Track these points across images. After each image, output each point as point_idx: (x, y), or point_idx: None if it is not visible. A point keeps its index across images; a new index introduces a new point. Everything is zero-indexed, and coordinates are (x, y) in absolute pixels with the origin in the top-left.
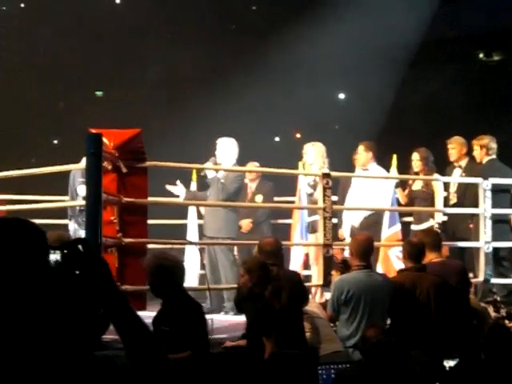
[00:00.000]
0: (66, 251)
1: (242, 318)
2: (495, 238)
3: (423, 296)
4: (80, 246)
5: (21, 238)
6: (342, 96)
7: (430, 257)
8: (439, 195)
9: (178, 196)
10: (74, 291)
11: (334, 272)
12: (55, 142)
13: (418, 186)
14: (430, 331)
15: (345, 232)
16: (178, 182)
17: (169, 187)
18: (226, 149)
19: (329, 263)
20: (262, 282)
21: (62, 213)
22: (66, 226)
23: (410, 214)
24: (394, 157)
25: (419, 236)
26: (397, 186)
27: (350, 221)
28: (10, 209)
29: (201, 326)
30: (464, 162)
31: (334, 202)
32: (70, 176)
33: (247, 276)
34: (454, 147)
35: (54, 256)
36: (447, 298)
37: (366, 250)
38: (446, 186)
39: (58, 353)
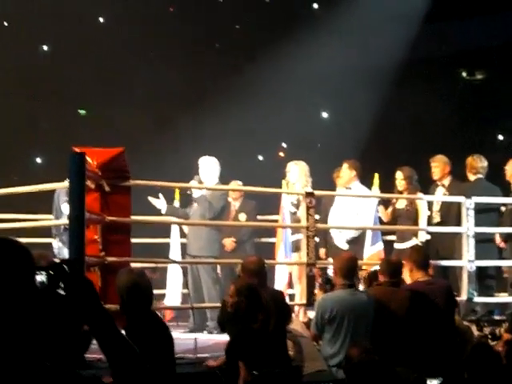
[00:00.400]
0: (51, 272)
1: (226, 337)
2: (480, 257)
3: (398, 310)
4: (66, 267)
5: (6, 257)
6: (325, 115)
7: (417, 275)
8: (423, 214)
9: (159, 210)
10: (58, 311)
11: (317, 291)
12: (38, 160)
13: (401, 204)
14: (408, 347)
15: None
16: (160, 194)
17: (151, 199)
18: (208, 168)
19: (312, 282)
20: (249, 305)
21: (46, 231)
22: (49, 244)
23: (392, 233)
24: (376, 176)
25: (408, 253)
26: (379, 204)
27: (334, 240)
28: None
29: (164, 346)
30: (447, 181)
31: (317, 221)
32: (54, 194)
33: (236, 298)
34: (438, 166)
35: (40, 277)
36: (422, 312)
37: (350, 268)
38: (429, 204)
39: (45, 372)
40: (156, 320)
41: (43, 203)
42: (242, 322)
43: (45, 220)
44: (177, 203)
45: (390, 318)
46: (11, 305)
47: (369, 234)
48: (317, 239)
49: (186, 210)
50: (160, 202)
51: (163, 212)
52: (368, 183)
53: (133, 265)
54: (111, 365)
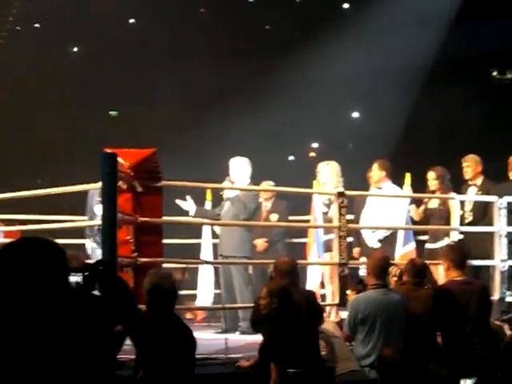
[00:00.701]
0: (87, 273)
1: (258, 338)
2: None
3: (417, 309)
4: (101, 268)
5: (42, 258)
6: (356, 115)
7: (453, 274)
8: (455, 214)
9: (187, 211)
10: (93, 312)
11: (349, 291)
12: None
13: (434, 204)
14: (433, 345)
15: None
16: (188, 197)
17: (178, 202)
18: (240, 168)
19: (344, 282)
20: (282, 306)
21: (80, 232)
22: (83, 245)
23: (424, 233)
24: (408, 175)
25: (445, 251)
26: (410, 203)
27: (365, 240)
28: (27, 229)
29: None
30: (479, 181)
31: (350, 221)
32: (87, 196)
33: (268, 299)
34: (469, 165)
35: (76, 278)
36: (451, 311)
37: (382, 268)
38: (461, 204)
39: (82, 373)
40: (177, 322)
41: (77, 205)
42: (275, 324)
43: (78, 221)
44: (208, 204)
45: (409, 317)
46: (46, 305)
47: (400, 233)
48: (350, 239)
49: (216, 210)
50: (188, 204)
51: (191, 214)
52: (399, 183)
53: (164, 265)
54: (144, 364)
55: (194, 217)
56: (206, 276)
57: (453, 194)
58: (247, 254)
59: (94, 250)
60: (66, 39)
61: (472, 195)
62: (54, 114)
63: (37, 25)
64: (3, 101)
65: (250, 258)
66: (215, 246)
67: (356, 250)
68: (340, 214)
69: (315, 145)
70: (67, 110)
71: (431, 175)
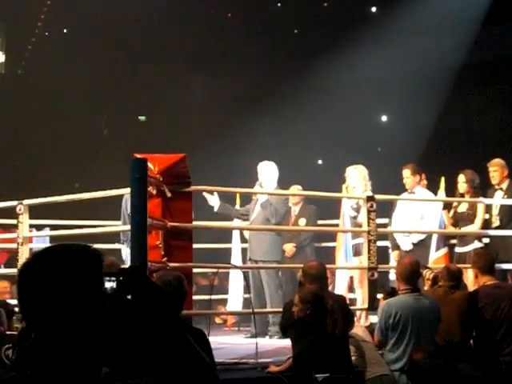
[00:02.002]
0: (121, 278)
1: (287, 343)
2: None
3: (451, 311)
4: (135, 273)
5: (77, 264)
6: (384, 118)
7: (484, 280)
8: (480, 218)
9: (216, 215)
10: (128, 318)
11: (381, 297)
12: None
13: (463, 208)
14: (467, 347)
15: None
16: (215, 192)
17: (205, 194)
18: (268, 173)
19: (374, 286)
20: (315, 313)
21: (115, 237)
22: (119, 250)
23: (455, 236)
24: (442, 179)
25: (471, 259)
26: (444, 208)
27: (393, 245)
28: (62, 234)
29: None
30: (505, 185)
31: (383, 225)
32: (122, 200)
33: (301, 306)
34: (496, 170)
35: (110, 283)
36: (485, 314)
37: (413, 273)
38: (489, 208)
39: (115, 380)
40: (187, 326)
41: (111, 209)
42: (310, 330)
43: (112, 226)
44: (237, 207)
45: (443, 319)
46: (81, 311)
47: (434, 238)
48: (385, 243)
49: (240, 210)
50: (213, 199)
51: (216, 210)
52: (432, 187)
53: (195, 270)
54: (177, 372)
55: (217, 212)
56: (236, 281)
57: (481, 198)
58: (278, 259)
59: (128, 256)
60: (97, 44)
61: (499, 199)
62: (87, 119)
63: (65, 30)
64: (39, 106)
65: (280, 263)
66: (244, 250)
67: (395, 253)
68: (369, 219)
69: (343, 148)
70: (99, 114)
71: (461, 178)
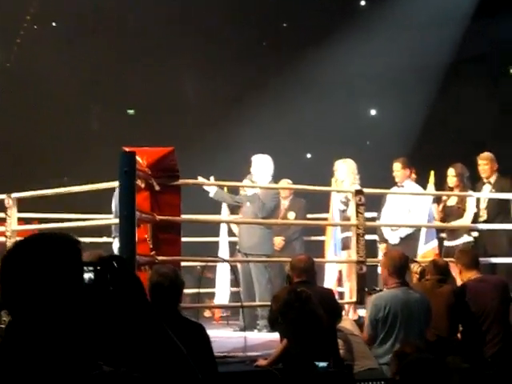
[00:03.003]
0: (99, 268)
1: (276, 336)
2: None
3: (439, 305)
4: (114, 263)
5: (53, 253)
6: (373, 112)
7: (468, 275)
8: (469, 212)
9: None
10: (107, 308)
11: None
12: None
13: (452, 201)
14: (453, 341)
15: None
16: (211, 177)
17: (201, 179)
18: (262, 166)
19: (362, 280)
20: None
21: (104, 231)
22: (109, 244)
23: (443, 230)
24: (432, 173)
25: (456, 255)
26: (434, 201)
27: (381, 239)
28: (51, 227)
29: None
30: (493, 179)
31: (371, 219)
32: (113, 194)
33: (275, 304)
34: (487, 163)
35: (88, 274)
36: (471, 307)
37: (402, 267)
38: (477, 202)
39: (95, 371)
40: (183, 320)
41: (100, 203)
42: (292, 327)
43: (101, 219)
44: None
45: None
46: (59, 301)
47: (423, 231)
48: (373, 236)
49: (236, 197)
50: (210, 185)
51: (211, 195)
52: (419, 181)
53: (183, 264)
54: (153, 364)
55: (213, 197)
56: (223, 274)
57: (470, 192)
58: (267, 252)
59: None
60: (86, 38)
61: (487, 193)
62: (76, 112)
63: (54, 23)
64: (28, 99)
65: (270, 256)
66: (231, 244)
67: (383, 246)
68: (358, 212)
69: (332, 142)
70: (88, 108)
71: (451, 172)
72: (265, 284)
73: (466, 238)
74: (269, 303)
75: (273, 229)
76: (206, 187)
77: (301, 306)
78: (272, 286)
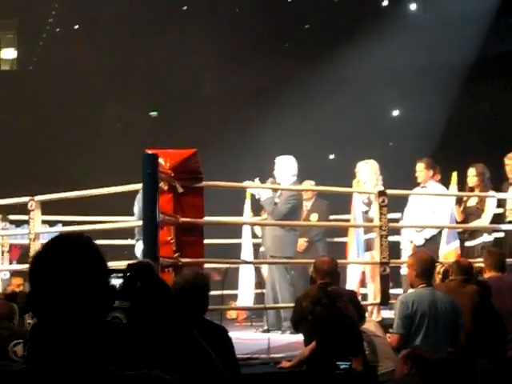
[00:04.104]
0: (129, 274)
1: (300, 338)
2: None
3: (464, 304)
4: (142, 270)
5: (85, 257)
6: (396, 113)
7: (489, 274)
8: (488, 212)
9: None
10: (136, 315)
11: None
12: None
13: (472, 202)
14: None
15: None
16: (257, 179)
17: (247, 182)
18: (285, 167)
19: (386, 281)
20: (328, 306)
21: (128, 233)
22: (131, 246)
23: (466, 231)
24: (454, 174)
25: (484, 256)
26: (456, 202)
27: (408, 238)
28: (74, 230)
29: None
30: None
31: (394, 220)
32: (136, 197)
33: (319, 307)
34: None
35: (118, 280)
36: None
37: (429, 269)
38: (503, 202)
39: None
40: (208, 323)
41: (123, 205)
42: (320, 327)
43: (124, 222)
44: (248, 202)
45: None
46: (86, 305)
47: (444, 232)
48: (399, 238)
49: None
50: (264, 191)
51: (263, 199)
52: (443, 182)
53: (207, 265)
54: (184, 370)
55: (262, 202)
56: (246, 276)
57: (491, 192)
58: (288, 255)
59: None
60: (108, 40)
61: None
62: (100, 114)
63: (76, 26)
64: (53, 102)
65: (292, 258)
66: (255, 245)
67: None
68: (381, 213)
69: (355, 143)
70: (111, 109)
71: (471, 172)
72: (286, 286)
73: (485, 238)
74: (292, 305)
75: (297, 231)
76: (256, 191)
77: (330, 303)
78: (294, 288)
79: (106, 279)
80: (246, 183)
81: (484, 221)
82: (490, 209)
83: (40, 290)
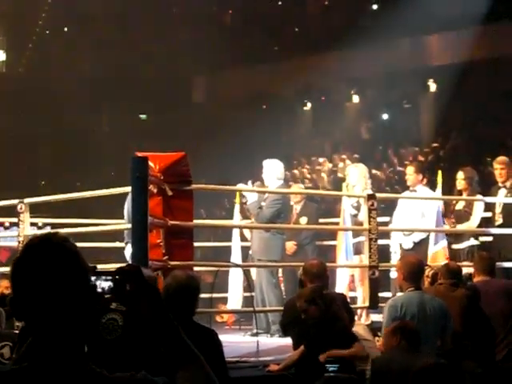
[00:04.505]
0: (118, 277)
1: (288, 341)
2: None
3: (453, 308)
4: (131, 272)
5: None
6: (385, 116)
7: (478, 279)
8: (476, 215)
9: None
10: (125, 316)
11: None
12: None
13: (460, 205)
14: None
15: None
16: (249, 182)
17: (241, 185)
18: (271, 171)
19: (375, 285)
20: (324, 307)
21: (117, 236)
22: (120, 249)
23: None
24: (440, 173)
25: (474, 260)
26: (445, 203)
27: (397, 242)
28: (63, 232)
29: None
30: (509, 183)
31: (384, 224)
32: (126, 199)
33: (313, 306)
34: (504, 168)
35: (107, 283)
36: (482, 310)
37: (418, 273)
38: (492, 206)
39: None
40: (197, 325)
41: (112, 208)
42: (315, 329)
43: (113, 224)
44: (237, 207)
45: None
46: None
47: (432, 233)
48: (389, 241)
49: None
50: (251, 194)
51: (249, 203)
52: (433, 185)
53: (196, 269)
54: (172, 373)
55: (248, 206)
56: (235, 279)
57: (479, 196)
58: (274, 258)
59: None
60: (97, 43)
61: (502, 197)
62: (89, 117)
63: (65, 28)
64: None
65: (279, 262)
66: (244, 248)
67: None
68: (370, 217)
69: (344, 147)
70: (99, 113)
71: (460, 175)
72: (272, 289)
73: (472, 242)
74: (280, 308)
75: (285, 234)
76: (246, 193)
77: (325, 307)
78: (280, 291)
79: (85, 278)
80: (239, 186)
81: (472, 224)
82: (478, 212)
83: (19, 294)
